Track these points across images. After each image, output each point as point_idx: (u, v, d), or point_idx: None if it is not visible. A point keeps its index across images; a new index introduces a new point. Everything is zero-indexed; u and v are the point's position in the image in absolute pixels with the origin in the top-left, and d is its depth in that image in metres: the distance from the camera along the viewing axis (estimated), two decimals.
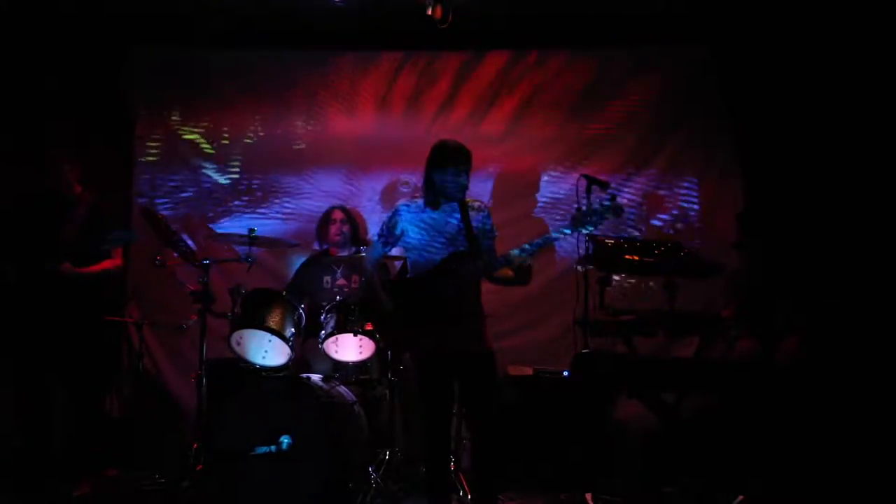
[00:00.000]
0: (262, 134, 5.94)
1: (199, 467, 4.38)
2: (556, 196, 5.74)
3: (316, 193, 5.86)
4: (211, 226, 5.82)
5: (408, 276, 3.94)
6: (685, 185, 5.69)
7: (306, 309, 4.66)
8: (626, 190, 5.63)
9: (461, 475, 4.50)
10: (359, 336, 4.53)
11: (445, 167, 3.80)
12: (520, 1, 5.45)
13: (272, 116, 5.93)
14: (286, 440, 4.11)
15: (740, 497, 3.71)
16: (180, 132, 5.93)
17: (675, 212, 5.67)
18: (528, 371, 5.12)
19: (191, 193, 5.91)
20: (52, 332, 4.46)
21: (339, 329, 4.56)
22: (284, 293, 4.69)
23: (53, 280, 4.44)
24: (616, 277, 3.74)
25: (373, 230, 5.54)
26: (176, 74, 5.93)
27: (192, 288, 4.73)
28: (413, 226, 3.90)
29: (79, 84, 5.66)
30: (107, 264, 4.61)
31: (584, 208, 3.65)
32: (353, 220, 5.25)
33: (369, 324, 4.55)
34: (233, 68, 5.93)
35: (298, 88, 5.93)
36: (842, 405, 3.66)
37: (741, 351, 3.77)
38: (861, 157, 5.05)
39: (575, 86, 5.77)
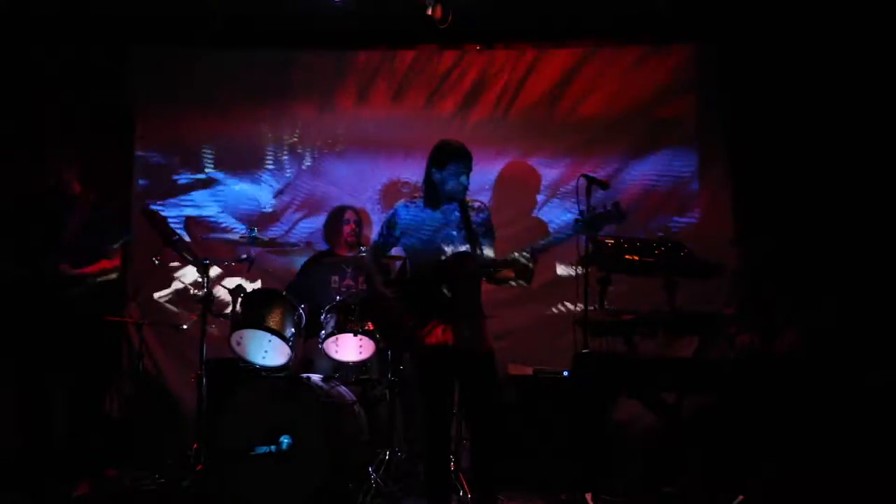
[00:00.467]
0: (262, 133, 5.94)
1: (199, 467, 4.38)
2: (556, 195, 5.74)
3: (316, 193, 5.86)
4: (210, 225, 5.83)
5: (407, 276, 3.94)
6: (685, 184, 5.68)
7: (306, 309, 4.66)
8: (625, 189, 5.63)
9: (461, 475, 4.50)
10: (359, 336, 4.53)
11: (446, 167, 3.80)
12: None
13: (272, 116, 5.92)
14: (286, 440, 4.11)
15: (740, 497, 3.71)
16: (181, 131, 5.93)
17: (674, 211, 5.66)
18: (528, 371, 5.12)
19: (191, 193, 5.91)
20: (52, 332, 4.46)
21: (339, 329, 4.56)
22: (284, 293, 4.69)
23: (52, 280, 4.44)
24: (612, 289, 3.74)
25: (373, 230, 5.53)
26: (176, 74, 5.92)
27: (192, 288, 4.73)
28: (413, 226, 3.89)
29: (79, 84, 5.66)
30: (105, 264, 4.60)
31: (586, 214, 3.66)
32: (361, 221, 5.25)
33: (369, 324, 4.55)
34: (233, 68, 5.92)
35: (298, 88, 5.92)
36: (842, 403, 3.66)
37: (740, 345, 3.77)
38: (862, 154, 5.05)
39: (574, 84, 5.77)
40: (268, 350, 4.59)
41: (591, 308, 3.74)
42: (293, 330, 4.55)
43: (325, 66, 5.92)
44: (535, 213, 5.75)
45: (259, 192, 5.91)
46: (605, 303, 3.79)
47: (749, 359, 3.71)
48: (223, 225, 5.81)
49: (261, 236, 4.82)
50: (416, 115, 5.85)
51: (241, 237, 4.82)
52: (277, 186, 5.91)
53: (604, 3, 5.45)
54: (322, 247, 5.41)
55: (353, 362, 4.64)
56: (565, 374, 4.92)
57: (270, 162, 5.93)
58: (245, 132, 5.93)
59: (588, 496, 4.01)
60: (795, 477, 3.65)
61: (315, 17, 5.63)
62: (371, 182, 5.83)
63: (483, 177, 5.63)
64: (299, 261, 5.44)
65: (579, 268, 3.78)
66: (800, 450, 3.66)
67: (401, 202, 4.00)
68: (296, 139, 5.93)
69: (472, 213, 3.88)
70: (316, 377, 4.48)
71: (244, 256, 4.77)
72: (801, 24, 5.21)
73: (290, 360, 4.57)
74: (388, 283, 4.05)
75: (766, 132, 5.36)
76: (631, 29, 5.64)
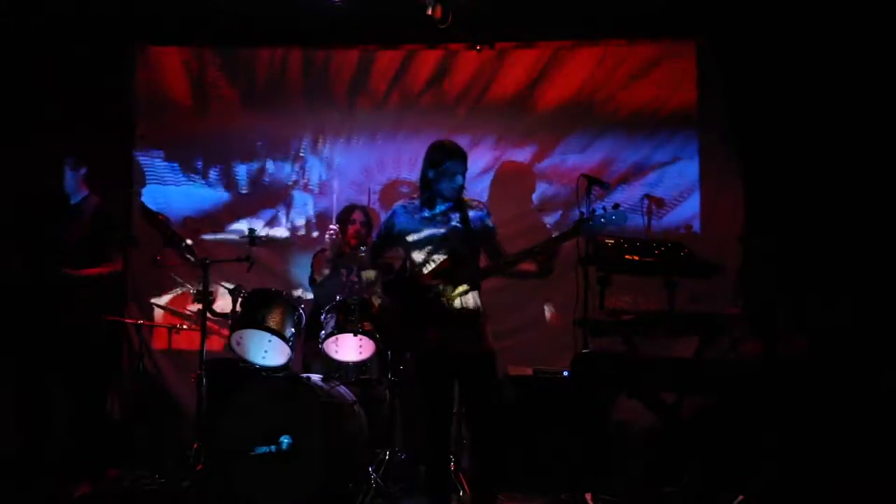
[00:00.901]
0: (262, 133, 5.94)
1: (199, 467, 4.38)
2: (556, 195, 5.74)
3: (315, 193, 5.86)
4: (211, 225, 5.83)
5: (407, 276, 3.94)
6: (685, 183, 5.68)
7: (306, 309, 4.66)
8: (625, 189, 5.63)
9: (461, 475, 4.50)
10: (359, 336, 4.53)
11: (441, 167, 3.81)
12: None
13: (273, 115, 5.93)
14: (286, 440, 4.11)
15: (740, 497, 3.71)
16: (181, 131, 5.93)
17: (674, 211, 5.67)
18: (528, 371, 5.12)
19: (192, 193, 5.91)
20: (52, 332, 4.46)
21: (339, 329, 4.56)
22: (284, 293, 4.69)
23: (53, 282, 4.43)
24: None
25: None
26: (177, 74, 5.93)
27: (192, 288, 4.74)
28: (411, 226, 3.90)
29: (80, 84, 5.66)
30: (106, 268, 4.59)
31: (587, 216, 3.67)
32: (371, 223, 5.15)
33: (369, 324, 4.55)
34: (234, 67, 5.94)
35: (298, 87, 5.93)
36: (845, 405, 3.65)
37: (745, 352, 3.77)
38: (865, 154, 5.04)
39: (574, 82, 5.76)
40: (268, 350, 4.59)
41: (591, 308, 3.75)
42: (293, 330, 4.55)
43: (325, 65, 5.92)
44: (533, 213, 5.75)
45: (260, 192, 5.92)
46: (605, 303, 3.79)
47: (752, 361, 3.70)
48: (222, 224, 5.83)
49: (260, 236, 4.82)
50: (416, 115, 5.85)
51: (240, 237, 4.82)
52: (278, 187, 5.92)
53: (604, 2, 5.46)
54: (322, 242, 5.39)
55: (353, 362, 4.64)
56: (565, 374, 4.92)
57: (271, 162, 5.94)
58: (245, 131, 5.93)
59: (588, 496, 4.02)
60: (796, 477, 3.65)
61: (315, 17, 5.63)
62: (369, 181, 5.83)
63: (481, 178, 5.67)
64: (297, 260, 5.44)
65: (579, 268, 3.78)
66: (800, 450, 3.66)
67: (399, 202, 4.01)
68: (296, 139, 5.93)
69: (471, 213, 3.88)
70: (316, 377, 4.48)
71: (244, 257, 4.76)
72: (803, 18, 5.19)
73: (289, 360, 4.57)
74: (387, 284, 4.06)
75: (771, 129, 5.35)
76: (631, 27, 5.64)
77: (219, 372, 4.71)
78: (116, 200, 5.25)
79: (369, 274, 4.39)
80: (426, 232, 3.87)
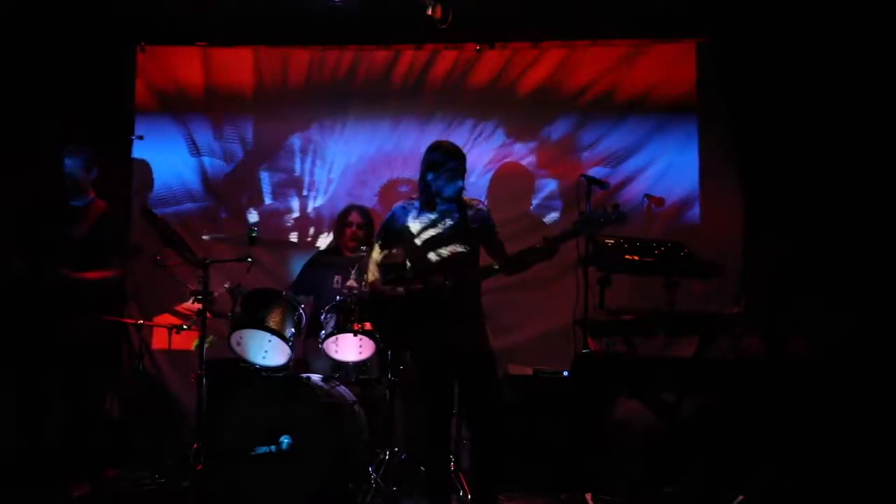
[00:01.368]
0: (262, 132, 5.94)
1: (199, 467, 4.38)
2: (555, 195, 5.74)
3: (316, 192, 5.86)
4: (211, 225, 5.83)
5: (406, 276, 3.94)
6: (685, 183, 5.68)
7: (306, 309, 4.66)
8: (625, 188, 5.63)
9: (461, 475, 4.50)
10: (359, 336, 4.53)
11: (440, 168, 3.82)
12: None
13: (273, 115, 5.93)
14: (286, 440, 4.11)
15: (740, 497, 3.71)
16: (182, 131, 5.93)
17: (674, 210, 5.67)
18: (528, 371, 5.12)
19: (192, 193, 5.91)
20: (52, 332, 4.45)
21: (339, 329, 4.56)
22: (284, 293, 4.69)
23: (52, 282, 4.43)
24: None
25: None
26: (177, 73, 5.93)
27: (192, 288, 4.73)
28: (411, 226, 3.90)
29: (79, 84, 5.65)
30: (106, 273, 4.57)
31: (587, 216, 3.68)
32: (371, 223, 5.13)
33: (369, 324, 4.55)
34: (234, 67, 5.93)
35: (298, 87, 5.92)
36: (846, 406, 3.65)
37: (746, 349, 3.77)
38: (865, 154, 5.04)
39: (573, 82, 5.76)
40: (268, 350, 4.59)
41: (591, 308, 3.75)
42: (293, 330, 4.55)
43: (325, 65, 5.92)
44: (531, 212, 5.75)
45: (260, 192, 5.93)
46: (605, 303, 3.79)
47: (752, 361, 3.70)
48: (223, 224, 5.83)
49: (261, 237, 4.82)
50: (416, 114, 5.85)
51: (241, 237, 4.82)
52: (278, 186, 5.92)
53: (605, 3, 5.47)
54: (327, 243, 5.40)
55: (353, 362, 4.64)
56: (565, 374, 4.92)
57: (271, 162, 5.94)
58: (246, 131, 5.94)
59: (588, 496, 4.02)
60: (796, 477, 3.65)
61: (315, 17, 5.63)
62: (368, 182, 5.83)
63: (480, 178, 5.67)
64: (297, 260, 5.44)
65: (579, 268, 3.79)
66: (801, 451, 3.66)
67: (399, 203, 4.01)
68: (296, 137, 5.92)
69: (471, 213, 3.88)
70: (316, 377, 4.48)
71: (244, 257, 4.76)
72: (803, 19, 5.19)
73: (289, 360, 4.57)
74: (388, 282, 4.06)
75: (771, 128, 5.35)
76: (631, 26, 5.63)
77: (219, 372, 4.71)
78: (116, 200, 5.23)
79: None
80: (426, 232, 3.87)
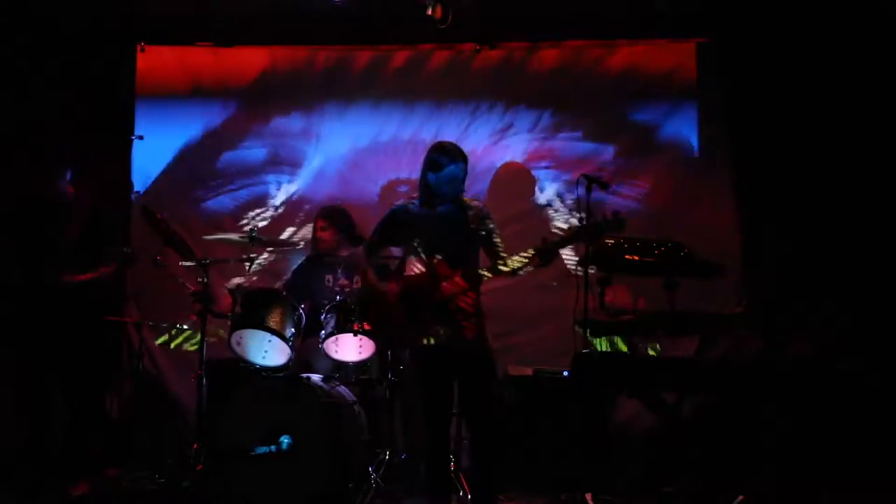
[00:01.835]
0: (261, 132, 5.94)
1: (199, 467, 4.38)
2: (555, 195, 5.74)
3: (315, 192, 5.86)
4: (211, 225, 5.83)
5: (405, 275, 3.94)
6: (685, 183, 5.68)
7: (306, 309, 4.66)
8: (625, 188, 5.63)
9: (461, 475, 4.50)
10: (359, 336, 4.53)
11: (441, 168, 3.81)
12: None
13: (272, 115, 5.93)
14: (286, 440, 4.11)
15: (740, 497, 3.71)
16: (181, 131, 5.94)
17: (675, 209, 5.67)
18: (528, 371, 5.11)
19: (191, 192, 5.91)
20: (52, 332, 4.46)
21: (339, 329, 4.56)
22: (284, 293, 4.69)
23: (53, 287, 4.43)
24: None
25: (370, 229, 5.53)
26: (176, 73, 5.93)
27: (192, 288, 4.73)
28: (410, 226, 3.90)
29: (79, 84, 5.65)
30: (105, 270, 4.58)
31: (586, 220, 3.68)
32: (341, 223, 5.12)
33: (369, 324, 4.55)
34: (233, 67, 5.93)
35: (298, 87, 5.93)
36: (846, 406, 3.66)
37: (748, 350, 3.77)
38: (865, 153, 5.04)
39: (573, 82, 5.76)
40: (268, 350, 4.59)
41: (591, 308, 3.75)
42: (293, 330, 4.55)
43: (325, 64, 5.92)
44: (532, 213, 5.75)
45: (262, 193, 5.93)
46: (605, 303, 3.79)
47: (752, 361, 3.70)
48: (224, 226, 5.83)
49: (261, 237, 4.83)
50: (419, 116, 5.86)
51: (240, 237, 4.82)
52: (280, 187, 5.92)
53: (605, 2, 5.47)
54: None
55: (353, 362, 4.64)
56: (565, 374, 4.91)
57: (271, 162, 5.94)
58: (245, 130, 5.93)
59: (588, 496, 4.02)
60: (796, 477, 3.65)
61: (315, 16, 5.63)
62: (368, 181, 5.83)
63: (480, 178, 5.68)
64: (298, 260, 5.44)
65: (579, 268, 3.79)
66: (800, 451, 3.66)
67: (398, 202, 4.01)
68: (295, 136, 5.93)
69: (471, 213, 3.88)
70: (316, 377, 4.48)
71: (244, 257, 4.77)
72: (802, 16, 5.19)
73: (289, 360, 4.57)
74: (386, 279, 4.06)
75: (770, 128, 5.34)
76: (631, 27, 5.63)
77: (219, 372, 4.71)
78: (116, 200, 5.24)
79: None
80: (425, 232, 3.86)
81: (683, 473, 4.00)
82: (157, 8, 5.58)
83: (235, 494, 4.15)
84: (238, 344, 4.59)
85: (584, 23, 5.66)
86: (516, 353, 5.24)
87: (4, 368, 4.64)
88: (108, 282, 4.63)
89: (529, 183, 5.78)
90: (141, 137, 5.87)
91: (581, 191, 3.82)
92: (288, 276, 5.35)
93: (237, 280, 5.27)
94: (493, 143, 5.79)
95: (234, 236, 4.92)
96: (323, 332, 4.63)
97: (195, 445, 4.47)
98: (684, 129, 5.68)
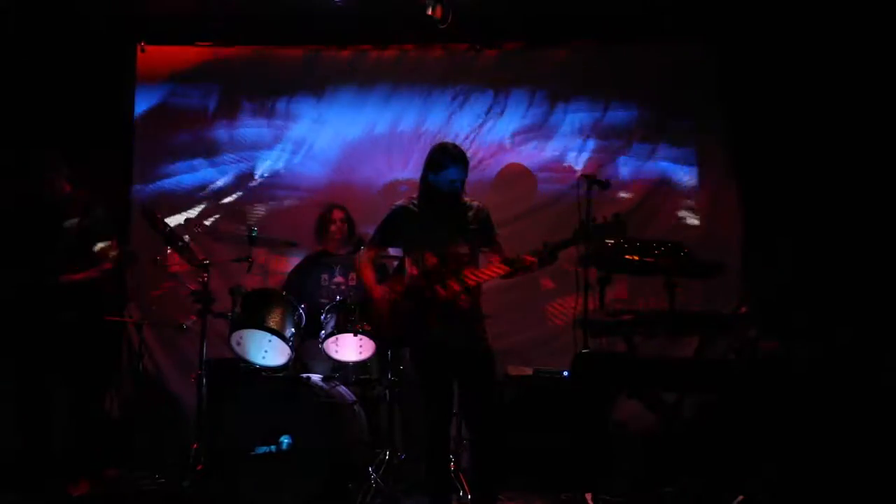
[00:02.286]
0: (261, 132, 5.94)
1: (199, 467, 4.39)
2: (555, 195, 5.74)
3: (315, 193, 5.86)
4: (211, 225, 5.83)
5: (405, 275, 3.94)
6: (685, 183, 5.67)
7: (306, 309, 4.66)
8: (625, 189, 5.63)
9: (461, 475, 4.50)
10: (359, 336, 4.53)
11: (442, 170, 3.82)
12: None
13: (272, 115, 5.93)
14: (286, 440, 4.11)
15: (740, 497, 3.71)
16: (181, 131, 5.94)
17: (675, 211, 5.67)
18: (528, 371, 5.11)
19: (191, 192, 5.91)
20: (52, 332, 4.45)
21: (339, 329, 4.56)
22: (284, 293, 4.69)
23: (53, 288, 4.42)
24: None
25: (370, 229, 5.53)
26: (176, 73, 5.93)
27: (192, 288, 4.73)
28: (410, 225, 3.90)
29: (79, 83, 5.66)
30: (104, 266, 4.58)
31: (586, 223, 3.69)
32: (351, 219, 5.23)
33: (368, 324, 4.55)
34: (233, 67, 5.94)
35: (298, 87, 5.93)
36: (846, 407, 3.65)
37: (756, 351, 3.77)
38: (864, 156, 5.04)
39: (573, 83, 5.77)
40: (268, 350, 4.59)
41: (591, 308, 3.75)
42: (293, 330, 4.55)
43: (325, 64, 5.93)
44: (532, 214, 5.75)
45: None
46: (605, 303, 3.79)
47: (752, 361, 3.70)
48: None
49: (260, 237, 4.83)
50: (419, 116, 5.86)
51: (241, 237, 4.83)
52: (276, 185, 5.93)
53: (605, 2, 5.46)
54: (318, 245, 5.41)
55: (353, 362, 4.64)
56: (565, 374, 4.92)
57: (271, 163, 5.94)
58: (245, 131, 5.94)
59: (588, 496, 4.01)
60: (796, 478, 3.65)
61: (315, 16, 5.64)
62: (368, 181, 5.82)
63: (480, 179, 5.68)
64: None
65: (579, 268, 3.79)
66: (800, 451, 3.66)
67: (398, 202, 4.01)
68: (295, 136, 5.93)
69: (470, 214, 3.88)
70: (316, 377, 4.48)
71: (244, 257, 4.77)
72: (803, 20, 5.19)
73: (289, 360, 4.57)
74: (386, 280, 4.06)
75: (770, 129, 5.35)
76: (631, 28, 5.64)
77: (219, 372, 4.71)
78: (116, 200, 5.24)
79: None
80: (425, 232, 3.86)
81: (683, 473, 4.00)
82: (157, 8, 5.57)
83: (235, 494, 4.15)
84: (238, 344, 4.60)
85: (585, 23, 5.66)
86: (516, 353, 5.25)
87: (4, 368, 4.64)
88: (108, 282, 4.63)
89: (531, 183, 5.78)
90: (142, 137, 5.87)
91: (581, 191, 3.82)
92: (286, 276, 5.36)
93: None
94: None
95: (233, 237, 4.92)
96: (323, 332, 4.64)
97: (195, 445, 4.48)
98: (685, 129, 5.68)
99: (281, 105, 5.92)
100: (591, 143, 5.75)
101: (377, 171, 5.84)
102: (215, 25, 5.74)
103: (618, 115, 5.75)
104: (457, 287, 3.76)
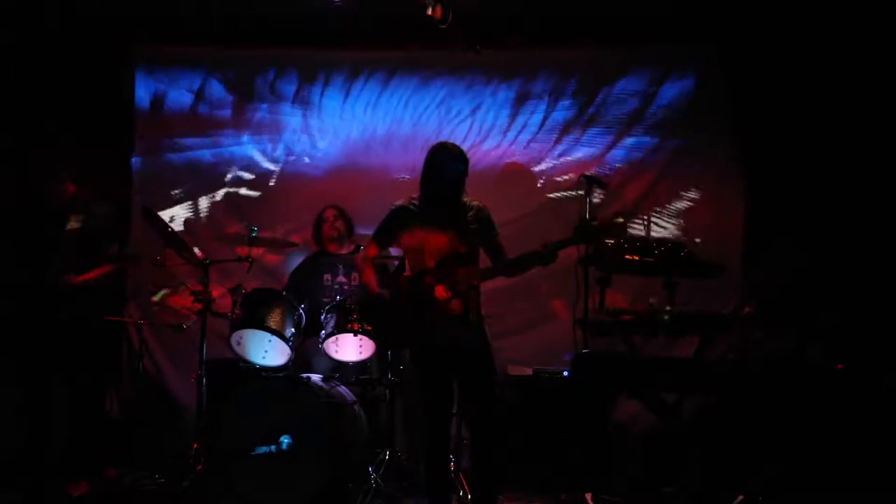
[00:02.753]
0: (261, 132, 5.94)
1: (199, 467, 4.39)
2: (555, 195, 5.74)
3: (314, 192, 5.86)
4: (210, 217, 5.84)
5: (405, 275, 3.94)
6: (685, 183, 5.67)
7: (306, 309, 4.66)
8: (625, 189, 5.63)
9: (461, 475, 4.50)
10: (359, 336, 4.53)
11: (443, 169, 3.82)
12: None
13: (271, 114, 5.93)
14: (286, 440, 4.11)
15: (740, 497, 3.70)
16: (181, 131, 5.94)
17: (676, 212, 5.67)
18: (528, 371, 5.12)
19: (191, 192, 5.91)
20: (53, 332, 4.46)
21: (339, 329, 4.56)
22: (284, 293, 4.69)
23: (56, 289, 4.42)
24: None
25: (370, 229, 5.53)
26: (176, 73, 5.93)
27: (192, 288, 4.74)
28: (410, 225, 3.90)
29: (79, 83, 5.65)
30: (106, 268, 4.58)
31: (585, 227, 3.69)
32: (347, 217, 5.24)
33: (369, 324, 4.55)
34: (233, 67, 5.94)
35: (297, 87, 5.93)
36: (847, 406, 3.65)
37: (760, 351, 3.77)
38: (868, 156, 5.04)
39: (575, 83, 5.77)
40: (268, 350, 4.60)
41: (591, 308, 3.75)
42: (293, 330, 4.55)
43: (325, 64, 5.92)
44: (532, 213, 5.75)
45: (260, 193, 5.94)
46: (605, 303, 3.79)
47: (752, 361, 3.70)
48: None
49: (261, 237, 4.83)
50: (419, 116, 5.86)
51: (241, 237, 4.83)
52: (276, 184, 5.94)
53: (605, 2, 5.46)
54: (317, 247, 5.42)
55: (353, 362, 4.65)
56: (565, 374, 4.92)
57: (271, 163, 5.94)
58: (245, 131, 5.94)
59: (588, 496, 4.02)
60: (795, 478, 3.65)
61: (315, 17, 5.63)
62: (368, 181, 5.82)
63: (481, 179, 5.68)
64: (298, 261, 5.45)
65: (579, 268, 3.79)
66: (800, 451, 3.66)
67: (398, 202, 4.01)
68: (295, 136, 5.93)
69: (471, 214, 3.88)
70: (316, 377, 4.48)
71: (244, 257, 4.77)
72: (807, 21, 5.19)
73: (289, 360, 4.58)
74: (386, 282, 4.06)
75: (772, 129, 5.34)
76: (631, 28, 5.63)
77: (219, 372, 4.71)
78: (116, 200, 5.23)
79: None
80: (426, 232, 3.86)
81: (683, 473, 4.00)
82: (157, 8, 5.57)
83: (235, 494, 4.15)
84: (238, 344, 4.60)
85: (587, 23, 5.66)
86: (516, 353, 5.24)
87: (5, 368, 4.64)
88: (108, 282, 4.63)
89: (531, 183, 5.78)
90: (142, 136, 5.88)
91: (582, 191, 3.83)
92: (287, 277, 5.36)
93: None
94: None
95: (233, 237, 4.92)
96: (323, 332, 4.64)
97: (195, 445, 4.48)
98: (687, 129, 5.68)
99: (281, 105, 5.92)
100: (592, 141, 5.75)
101: (377, 171, 5.83)
102: (215, 25, 5.73)
103: (617, 115, 5.74)
104: (457, 287, 3.76)
